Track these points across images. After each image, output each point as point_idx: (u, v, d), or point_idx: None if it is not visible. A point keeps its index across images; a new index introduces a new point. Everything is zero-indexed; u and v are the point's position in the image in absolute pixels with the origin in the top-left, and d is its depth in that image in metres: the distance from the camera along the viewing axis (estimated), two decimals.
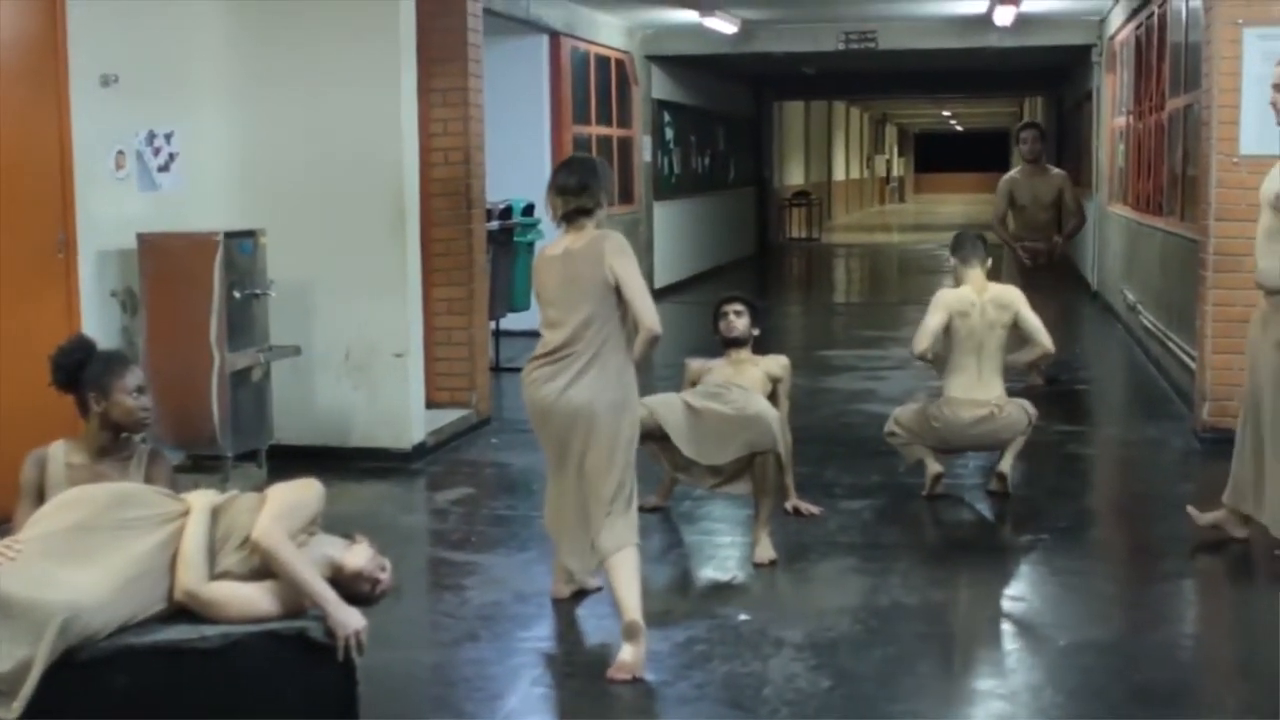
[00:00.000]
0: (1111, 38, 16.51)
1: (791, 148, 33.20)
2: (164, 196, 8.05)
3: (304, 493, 4.43)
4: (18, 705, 3.85)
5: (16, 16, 7.09)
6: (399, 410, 8.70)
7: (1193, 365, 9.36)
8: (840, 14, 17.83)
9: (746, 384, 6.95)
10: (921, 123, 60.75)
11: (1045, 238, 10.96)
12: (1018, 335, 7.61)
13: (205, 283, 7.62)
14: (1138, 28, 13.84)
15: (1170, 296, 11.20)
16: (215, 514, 4.33)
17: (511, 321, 12.36)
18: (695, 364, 7.32)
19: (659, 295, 17.93)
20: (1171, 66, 11.70)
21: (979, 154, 64.08)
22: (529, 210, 11.91)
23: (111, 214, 7.61)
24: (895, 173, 59.69)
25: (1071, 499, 8.04)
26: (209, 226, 7.96)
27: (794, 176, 33.39)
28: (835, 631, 5.65)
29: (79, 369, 4.76)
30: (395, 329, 8.65)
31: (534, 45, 14.98)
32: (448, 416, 9.40)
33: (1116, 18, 15.88)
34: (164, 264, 7.69)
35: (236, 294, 7.73)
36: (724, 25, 17.22)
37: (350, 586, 4.34)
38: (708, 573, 6.62)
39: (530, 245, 11.59)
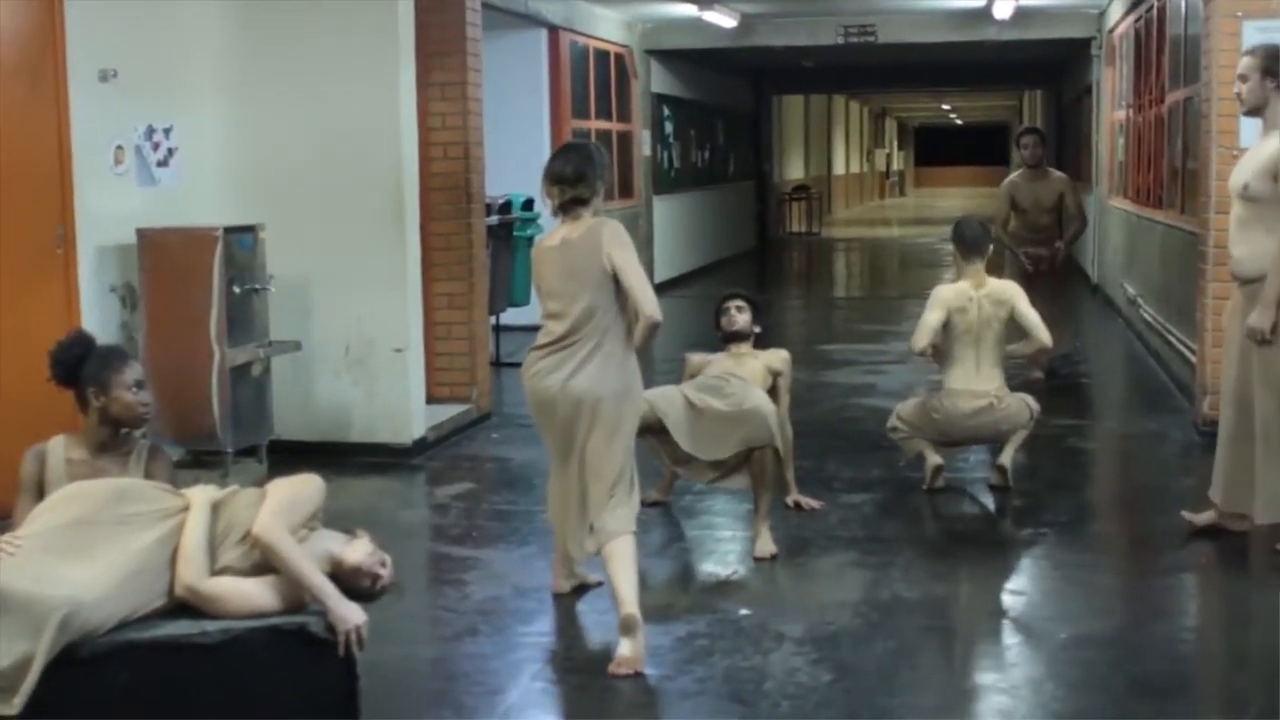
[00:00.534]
0: (1111, 31, 16.50)
1: (791, 142, 33.19)
2: (163, 191, 8.04)
3: (304, 488, 4.43)
4: (18, 701, 3.85)
5: (15, 12, 7.08)
6: (399, 405, 8.70)
7: (1193, 359, 9.36)
8: (839, 7, 17.81)
9: (746, 375, 6.95)
10: (921, 116, 60.78)
11: (1046, 241, 10.94)
12: (1017, 327, 7.61)
13: (205, 278, 7.62)
14: (1137, 21, 13.83)
15: (1170, 290, 11.20)
16: (215, 509, 4.32)
17: (512, 316, 12.36)
18: (695, 358, 7.32)
19: (659, 289, 17.82)
20: (1171, 59, 11.69)
21: (979, 148, 64.12)
22: (529, 205, 11.90)
23: (111, 209, 7.61)
24: (895, 166, 59.70)
25: (1072, 492, 8.04)
26: (208, 221, 7.96)
27: (794, 170, 33.38)
28: (836, 626, 5.65)
29: (78, 364, 4.75)
30: (395, 324, 8.64)
31: (533, 39, 14.98)
32: (448, 411, 9.39)
33: (1116, 11, 15.87)
34: (163, 259, 7.69)
35: (236, 289, 7.73)
36: (723, 19, 17.22)
37: (350, 581, 4.34)
38: (708, 567, 6.62)
39: (530, 240, 11.57)
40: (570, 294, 5.39)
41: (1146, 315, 12.36)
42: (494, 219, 11.23)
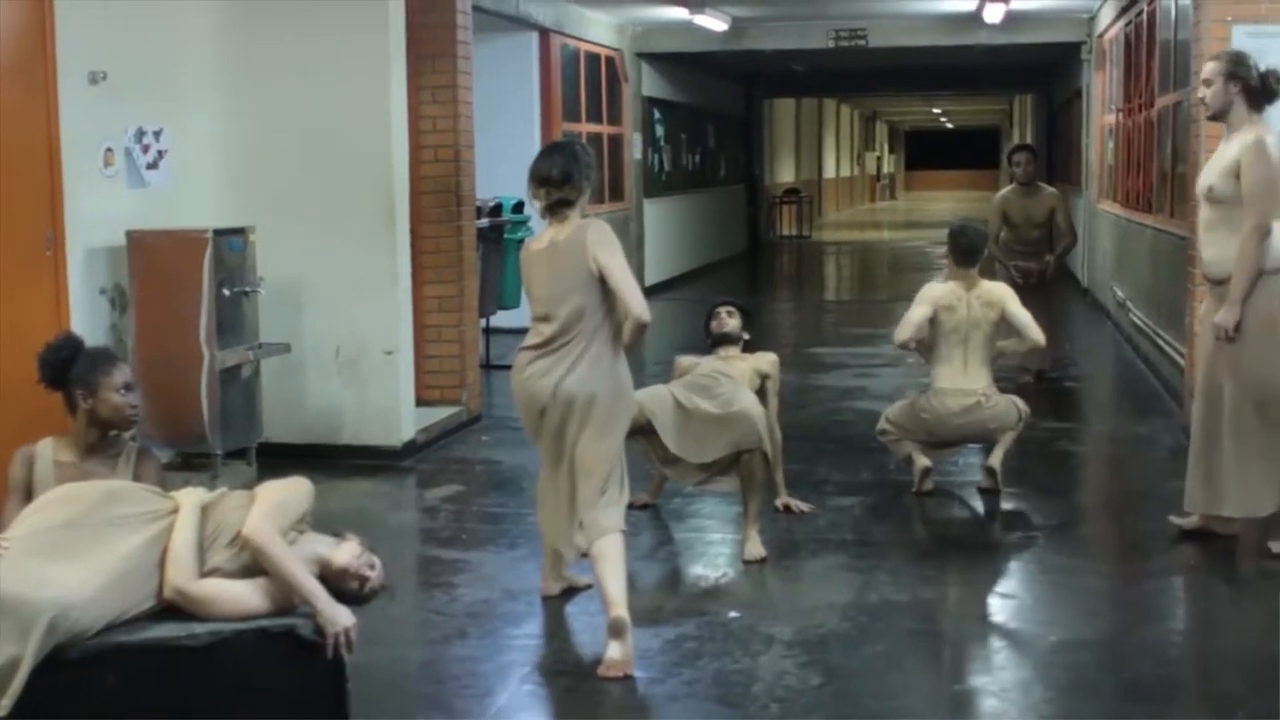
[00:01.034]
0: (1101, 35, 16.53)
1: (782, 145, 33.22)
2: (153, 194, 8.02)
3: (293, 490, 4.43)
4: (6, 702, 3.85)
5: (4, 13, 7.06)
6: (389, 408, 8.69)
7: (1182, 362, 9.37)
8: (830, 11, 17.84)
9: (734, 375, 6.95)
10: (912, 120, 60.85)
11: (1037, 255, 10.99)
12: (1009, 327, 7.62)
13: (194, 280, 7.61)
14: (1127, 25, 13.86)
15: (1159, 294, 11.22)
16: (204, 511, 4.32)
17: (502, 319, 12.36)
18: (685, 360, 7.32)
19: (650, 293, 17.89)
20: (1161, 64, 11.72)
21: (969, 151, 64.27)
22: (519, 208, 11.90)
23: (100, 211, 7.59)
24: (886, 170, 59.73)
25: (1061, 496, 8.05)
26: (198, 224, 7.94)
27: (784, 174, 33.41)
28: (825, 629, 5.65)
29: (66, 366, 4.75)
30: (385, 326, 8.64)
31: (524, 42, 14.98)
32: (438, 414, 9.39)
33: (1106, 15, 15.90)
34: (153, 261, 7.68)
35: (226, 291, 7.72)
36: (714, 23, 17.23)
37: (338, 583, 4.34)
38: (697, 570, 6.62)
39: (520, 243, 11.56)
40: (558, 296, 5.39)
41: (1136, 319, 12.38)
42: (484, 222, 11.24)
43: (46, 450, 4.75)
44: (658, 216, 19.62)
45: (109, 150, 7.66)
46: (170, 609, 4.18)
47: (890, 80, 28.27)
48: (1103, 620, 5.91)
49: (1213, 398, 6.54)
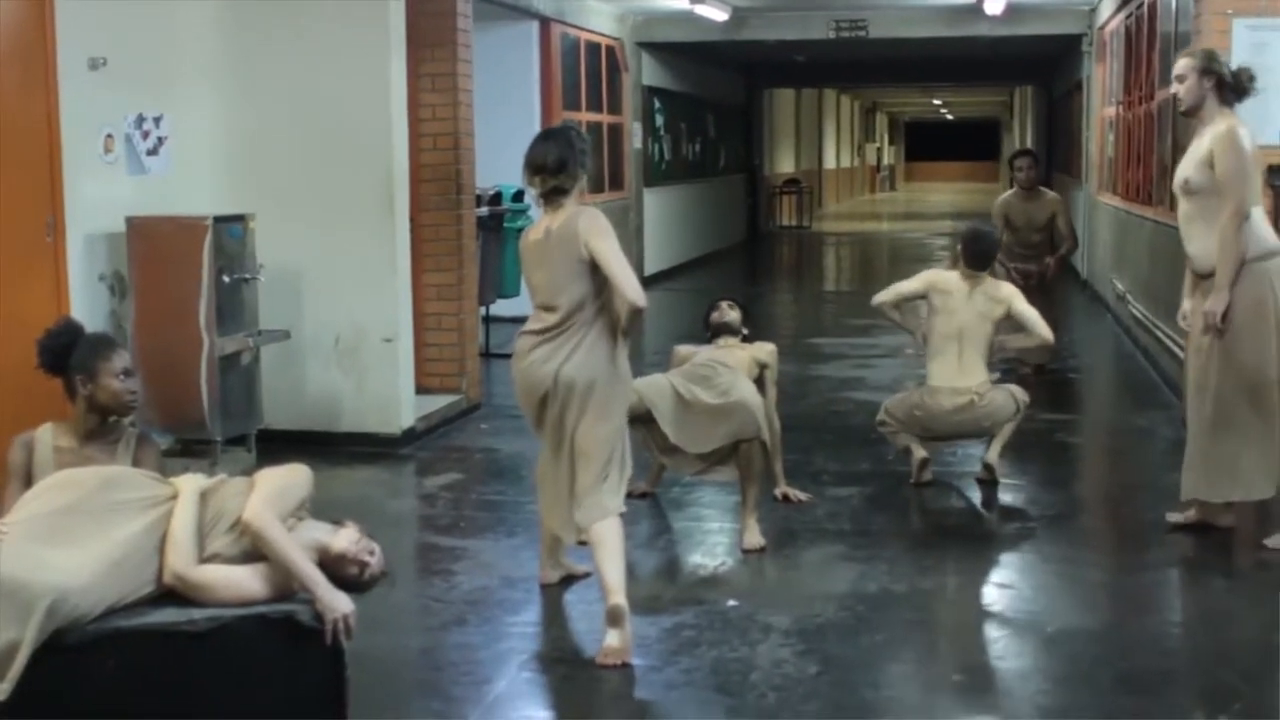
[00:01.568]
0: (1101, 27, 16.51)
1: (782, 135, 33.19)
2: (153, 180, 8.03)
3: (293, 477, 4.43)
4: (6, 686, 3.85)
5: (4, 0, 7.06)
6: (388, 395, 8.70)
7: (1181, 355, 9.37)
8: (831, 2, 17.83)
9: (733, 364, 6.95)
10: (912, 111, 60.81)
11: (1037, 258, 11.06)
12: (1014, 324, 7.63)
13: (194, 267, 7.62)
14: (1128, 18, 13.84)
15: (1159, 286, 11.21)
16: (204, 498, 4.32)
17: (501, 307, 12.35)
18: (683, 349, 7.32)
19: (649, 282, 17.93)
20: (1161, 56, 11.69)
21: (969, 142, 64.26)
22: (519, 196, 11.89)
23: (100, 197, 7.60)
24: (886, 161, 59.71)
25: (1059, 487, 8.07)
26: (198, 210, 7.95)
27: (784, 164, 33.39)
28: (823, 618, 5.66)
29: (66, 352, 4.76)
30: (385, 314, 8.64)
31: (524, 31, 14.96)
32: (437, 402, 9.40)
33: (1106, 8, 15.88)
34: (153, 248, 7.68)
35: (226, 278, 7.73)
36: (715, 12, 17.20)
37: (337, 569, 4.34)
38: (696, 559, 6.63)
39: (520, 231, 11.57)
40: (558, 285, 5.38)
41: (1135, 311, 12.38)
42: (484, 210, 11.24)
43: (46, 436, 4.76)
44: (657, 206, 19.61)
45: (109, 136, 7.67)
46: (170, 594, 4.19)
47: (890, 71, 28.25)
48: (1100, 612, 5.92)
49: (1205, 388, 6.56)
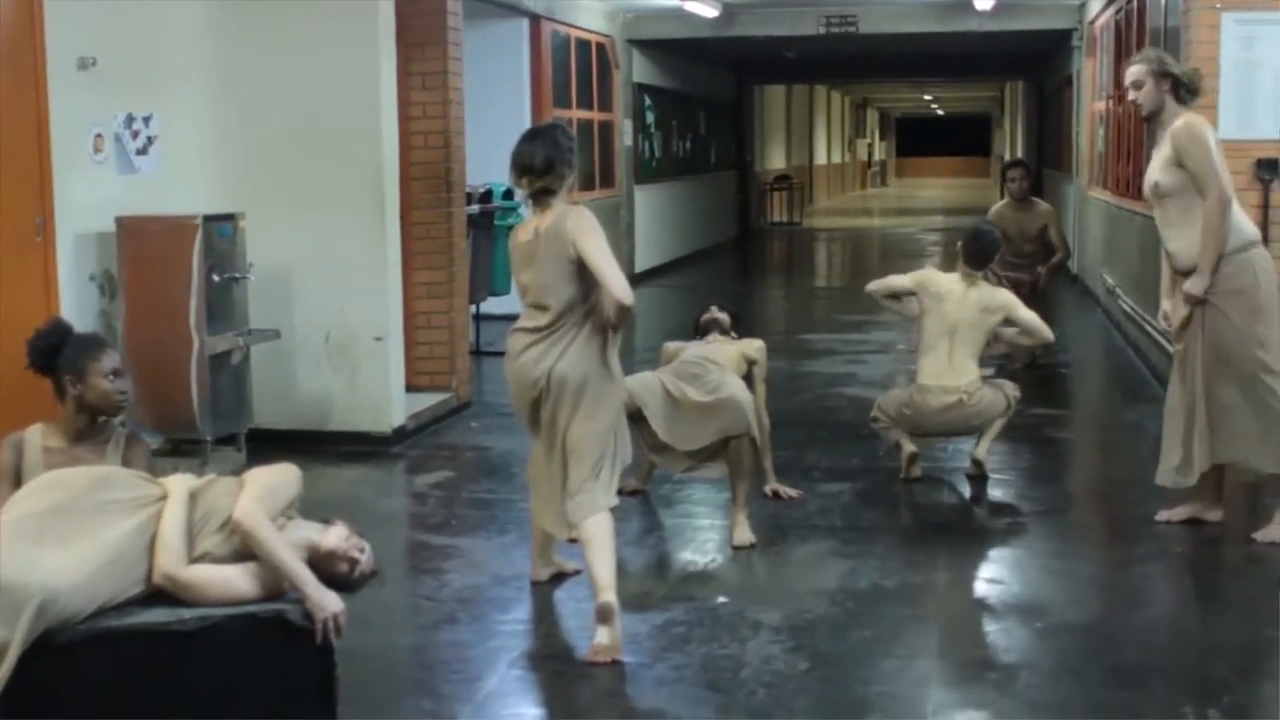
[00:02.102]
0: (1091, 22, 16.53)
1: (773, 132, 33.20)
2: (143, 179, 8.02)
3: (282, 476, 4.43)
4: None
5: None
6: (379, 394, 8.70)
7: (1170, 350, 9.38)
8: None
9: (722, 361, 6.96)
10: (903, 107, 60.82)
11: (1029, 267, 11.16)
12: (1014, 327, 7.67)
13: (184, 266, 7.61)
14: (1117, 12, 13.86)
15: (1149, 280, 11.19)
16: (193, 498, 4.32)
17: (492, 305, 12.35)
18: (672, 346, 7.33)
19: (640, 279, 17.94)
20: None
21: (960, 138, 64.31)
22: (509, 194, 11.88)
23: (90, 197, 7.59)
24: (877, 156, 59.73)
25: (1049, 482, 8.08)
26: (188, 210, 7.94)
27: (775, 160, 33.39)
28: (813, 614, 5.67)
29: (55, 352, 4.76)
30: (375, 313, 8.64)
31: (514, 29, 14.96)
32: (428, 400, 9.40)
33: (1096, 2, 15.90)
34: (143, 247, 7.68)
35: (216, 277, 7.72)
36: (705, 9, 17.21)
37: (328, 567, 4.34)
38: (686, 556, 6.63)
39: (510, 229, 11.55)
40: (547, 286, 5.38)
41: (1125, 306, 12.39)
42: (474, 208, 11.23)
43: (35, 436, 4.75)
44: (648, 203, 19.61)
45: (99, 136, 7.66)
46: (159, 594, 4.18)
47: (881, 67, 28.27)
48: (1090, 606, 5.94)
49: (1189, 377, 6.57)
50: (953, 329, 7.54)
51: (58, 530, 4.09)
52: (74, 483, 4.26)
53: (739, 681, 5.00)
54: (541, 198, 5.42)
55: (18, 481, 4.57)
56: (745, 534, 6.61)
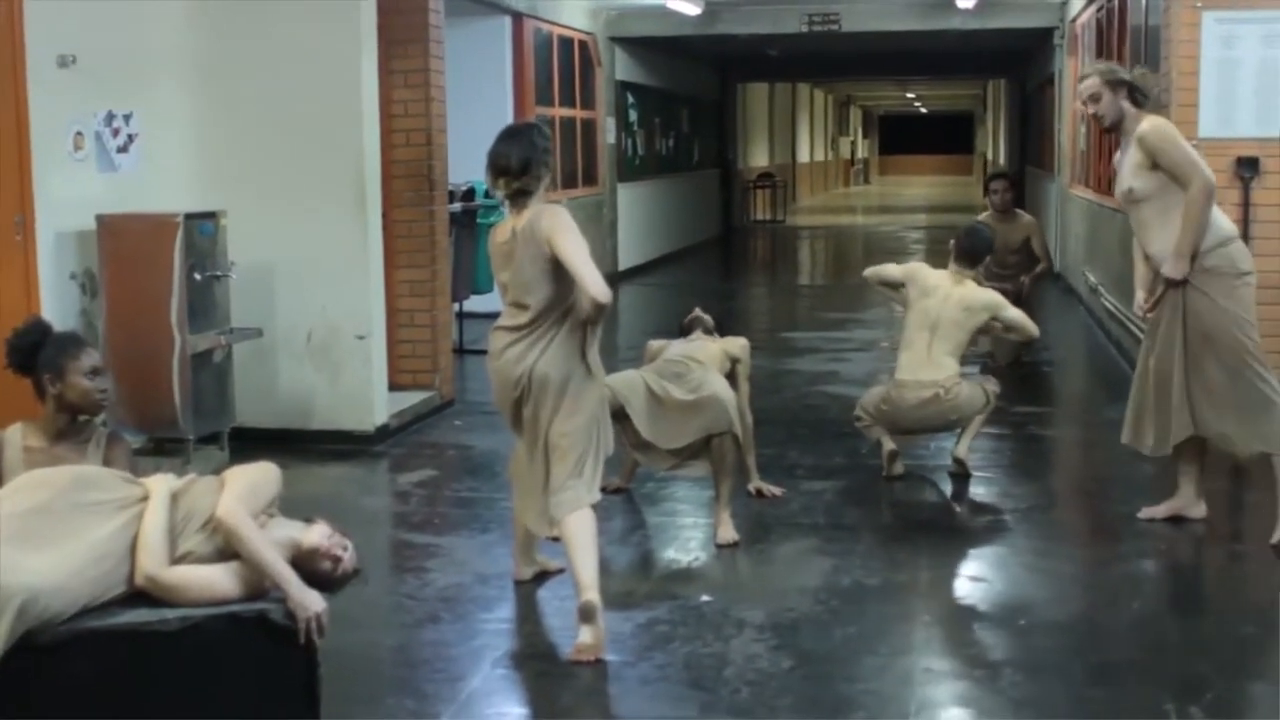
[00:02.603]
0: (1073, 21, 16.56)
1: (756, 130, 33.21)
2: (123, 178, 7.99)
3: (263, 474, 4.41)
4: None
5: None
6: (361, 392, 8.68)
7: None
8: None
9: (704, 359, 6.95)
10: (886, 105, 60.89)
11: (1012, 278, 11.23)
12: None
13: (165, 264, 7.58)
14: (1099, 11, 13.89)
15: (1131, 278, 11.23)
16: (175, 498, 4.30)
17: (475, 303, 12.34)
18: (656, 344, 7.33)
19: (623, 277, 17.94)
20: (1131, 50, 11.74)
21: (943, 136, 64.40)
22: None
23: (70, 195, 7.56)
24: (860, 155, 59.78)
25: (1032, 480, 8.10)
26: (169, 208, 7.91)
27: (758, 158, 33.41)
28: (797, 612, 5.67)
29: (34, 351, 4.74)
30: (357, 311, 8.62)
31: (496, 26, 14.94)
32: (410, 399, 9.38)
33: (1078, 1, 15.93)
34: (123, 246, 7.65)
35: (197, 276, 7.70)
36: (687, 7, 17.21)
37: (310, 564, 4.33)
38: (670, 554, 6.63)
39: (493, 227, 11.54)
40: (527, 285, 5.37)
41: (1107, 304, 12.42)
42: (457, 206, 11.22)
43: (15, 436, 4.74)
44: (631, 201, 19.60)
45: (79, 134, 7.63)
46: (141, 594, 4.17)
47: (864, 65, 28.30)
48: (1072, 603, 5.94)
49: (1166, 354, 6.56)
50: (934, 325, 7.55)
51: (39, 531, 4.07)
52: (54, 483, 4.24)
53: (722, 680, 5.00)
54: (518, 198, 5.41)
55: None
56: (729, 532, 6.61)
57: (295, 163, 8.52)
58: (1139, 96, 6.56)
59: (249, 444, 7.91)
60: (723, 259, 23.81)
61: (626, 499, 7.38)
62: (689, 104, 24.42)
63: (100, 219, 7.64)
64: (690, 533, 6.91)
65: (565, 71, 16.89)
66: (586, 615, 5.17)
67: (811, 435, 8.90)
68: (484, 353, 5.72)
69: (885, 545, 6.70)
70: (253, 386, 8.44)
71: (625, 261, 18.86)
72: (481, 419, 9.29)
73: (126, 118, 7.99)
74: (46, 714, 3.98)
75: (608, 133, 18.48)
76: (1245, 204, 8.58)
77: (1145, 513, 6.89)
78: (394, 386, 9.23)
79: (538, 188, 5.41)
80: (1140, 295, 6.77)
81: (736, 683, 4.97)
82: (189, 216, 7.70)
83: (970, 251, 7.83)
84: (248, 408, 8.33)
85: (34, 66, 7.26)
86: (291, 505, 4.56)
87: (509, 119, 14.71)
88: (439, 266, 9.72)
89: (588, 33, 17.79)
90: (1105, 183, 13.18)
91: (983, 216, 11.69)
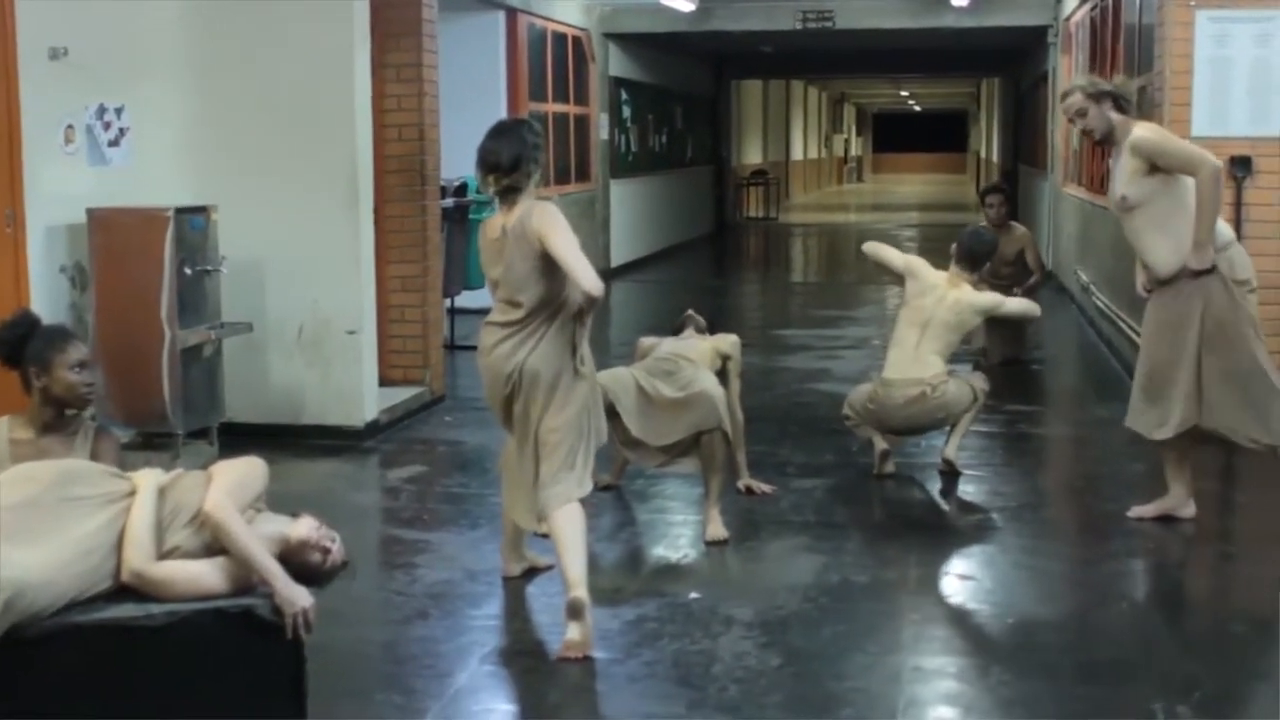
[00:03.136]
0: (1067, 19, 16.56)
1: (749, 127, 33.20)
2: (114, 171, 7.98)
3: (250, 469, 4.40)
4: None
5: None
6: (352, 388, 8.67)
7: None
8: None
9: (695, 357, 6.95)
10: (880, 102, 60.90)
11: (1007, 289, 11.21)
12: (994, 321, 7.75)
13: (156, 259, 7.57)
14: (1092, 9, 13.89)
15: (1123, 278, 11.24)
16: (162, 493, 4.29)
17: (466, 299, 12.32)
18: (647, 341, 7.32)
19: (615, 274, 17.93)
20: (1125, 48, 11.75)
21: (937, 134, 64.41)
22: None
23: (61, 189, 7.54)
24: (853, 152, 59.77)
25: (1022, 479, 8.10)
26: (160, 202, 7.90)
27: (752, 155, 33.40)
28: (786, 610, 5.67)
29: (22, 344, 4.73)
30: (348, 306, 8.61)
31: (490, 21, 14.93)
32: (401, 394, 9.37)
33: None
34: (114, 239, 7.63)
35: (188, 270, 7.69)
36: (682, 3, 17.21)
37: (299, 557, 4.32)
38: (659, 551, 6.63)
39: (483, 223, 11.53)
40: (518, 283, 5.37)
41: (1099, 302, 12.43)
42: (449, 201, 11.21)
43: (2, 429, 4.73)
44: (624, 197, 19.59)
45: (70, 127, 7.61)
46: (127, 589, 4.16)
47: (858, 62, 28.30)
48: (1061, 602, 5.95)
49: (1178, 339, 6.55)
50: (925, 324, 7.55)
51: (26, 525, 4.06)
52: (41, 478, 4.23)
53: (711, 677, 4.99)
54: (508, 195, 5.40)
55: None
56: (718, 529, 6.60)
57: (287, 157, 8.50)
58: (1123, 103, 6.57)
59: (239, 439, 7.89)
60: (715, 256, 23.80)
61: (616, 496, 7.37)
62: (682, 100, 24.41)
63: (91, 213, 7.62)
64: (680, 530, 6.91)
65: (559, 67, 16.88)
66: (575, 612, 5.16)
67: (802, 433, 8.89)
68: (475, 348, 5.71)
69: (875, 543, 6.71)
70: (243, 381, 8.43)
71: (618, 258, 18.85)
72: (472, 415, 9.28)
73: (118, 111, 7.97)
74: (32, 708, 3.97)
75: (601, 129, 18.47)
76: (1238, 203, 8.58)
77: (1135, 512, 6.89)
78: (384, 382, 9.22)
79: (528, 184, 5.40)
80: (1141, 278, 6.72)
81: (725, 680, 4.97)
82: (180, 211, 7.69)
83: (972, 254, 7.83)
84: (237, 402, 8.33)
85: (25, 59, 7.24)
86: (281, 500, 4.56)
87: (502, 114, 14.66)
88: (430, 262, 9.71)
89: (581, 28, 17.78)
90: (1098, 181, 13.19)
91: (977, 227, 11.71)
